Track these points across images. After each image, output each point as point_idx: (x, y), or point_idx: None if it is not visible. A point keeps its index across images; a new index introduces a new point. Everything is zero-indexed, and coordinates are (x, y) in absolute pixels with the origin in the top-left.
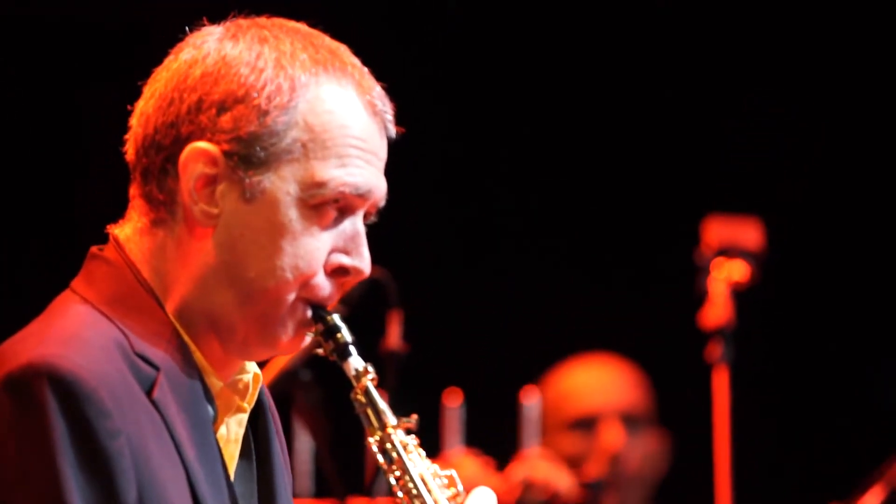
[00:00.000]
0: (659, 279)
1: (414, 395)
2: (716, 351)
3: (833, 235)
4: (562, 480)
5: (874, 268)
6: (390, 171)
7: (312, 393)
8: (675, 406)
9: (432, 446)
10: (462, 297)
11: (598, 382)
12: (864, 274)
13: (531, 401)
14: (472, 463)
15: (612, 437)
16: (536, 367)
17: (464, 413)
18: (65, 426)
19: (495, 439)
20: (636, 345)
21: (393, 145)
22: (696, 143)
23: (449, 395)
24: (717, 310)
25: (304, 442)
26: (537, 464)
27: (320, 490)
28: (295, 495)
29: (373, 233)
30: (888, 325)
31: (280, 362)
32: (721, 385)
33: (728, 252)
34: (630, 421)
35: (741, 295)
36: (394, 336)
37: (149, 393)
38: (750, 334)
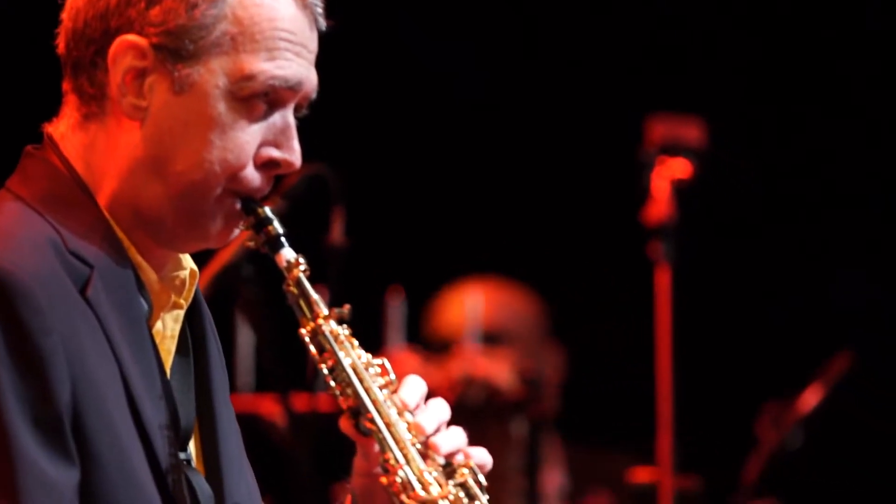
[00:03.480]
0: (601, 177)
1: (356, 291)
2: (658, 248)
3: (775, 133)
4: (502, 377)
5: (816, 165)
6: (336, 67)
7: (255, 287)
8: (617, 303)
9: (374, 343)
10: (405, 193)
11: (453, 309)
12: (807, 171)
13: (472, 297)
14: (414, 359)
15: (463, 361)
16: (477, 265)
17: (405, 310)
18: None
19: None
20: (579, 241)
21: (337, 39)
22: (638, 42)
23: (391, 293)
24: (659, 207)
25: (246, 336)
26: (478, 361)
27: (261, 385)
28: (236, 390)
29: (316, 128)
30: (830, 221)
31: (222, 256)
32: (663, 282)
33: (670, 150)
34: (490, 340)
35: (683, 192)
36: (336, 232)
37: (82, 291)
38: (692, 232)
